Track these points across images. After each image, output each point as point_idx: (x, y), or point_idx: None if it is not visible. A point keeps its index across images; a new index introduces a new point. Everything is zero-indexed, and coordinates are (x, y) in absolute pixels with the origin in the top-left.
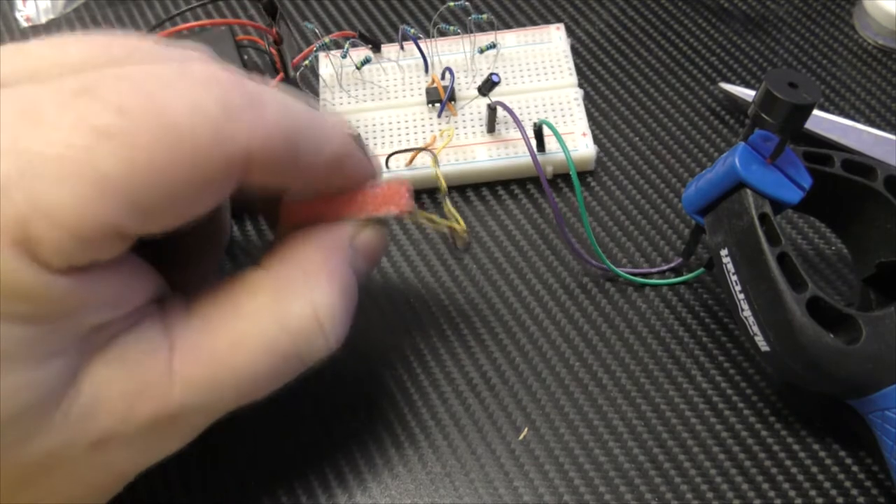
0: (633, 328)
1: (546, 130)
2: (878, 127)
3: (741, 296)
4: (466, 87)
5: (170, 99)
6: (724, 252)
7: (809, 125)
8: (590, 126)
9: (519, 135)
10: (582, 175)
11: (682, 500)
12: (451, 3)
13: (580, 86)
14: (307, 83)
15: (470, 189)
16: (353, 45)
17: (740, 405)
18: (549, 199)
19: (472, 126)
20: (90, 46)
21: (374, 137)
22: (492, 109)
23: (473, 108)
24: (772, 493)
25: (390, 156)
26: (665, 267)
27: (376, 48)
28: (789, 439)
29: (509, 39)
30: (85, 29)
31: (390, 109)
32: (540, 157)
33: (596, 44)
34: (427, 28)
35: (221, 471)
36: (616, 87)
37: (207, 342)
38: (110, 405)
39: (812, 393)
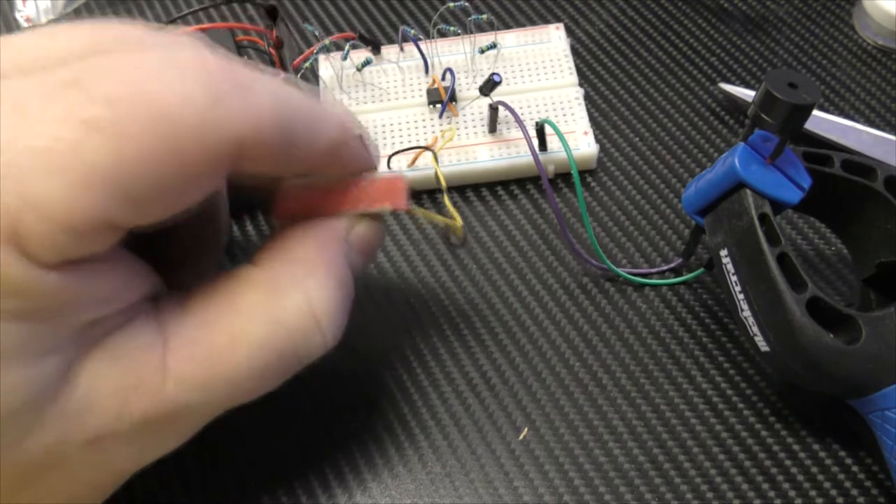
0: (632, 328)
1: (548, 129)
2: (878, 127)
3: (741, 296)
4: (467, 87)
5: (157, 88)
6: (723, 252)
7: (809, 125)
8: (590, 126)
9: (520, 134)
10: (582, 174)
11: (682, 500)
12: (451, 4)
13: (580, 86)
14: (309, 83)
15: (470, 189)
16: (354, 47)
17: (740, 405)
18: (549, 198)
19: (474, 126)
20: (77, 36)
21: (376, 139)
22: (493, 109)
23: (475, 108)
24: (772, 493)
25: (392, 156)
26: (665, 267)
27: (376, 49)
28: (789, 439)
29: (509, 39)
30: None
31: (391, 111)
32: (541, 157)
33: (595, 44)
34: (427, 29)
35: (221, 471)
36: (616, 88)
37: (202, 339)
38: (105, 402)
39: (812, 393)
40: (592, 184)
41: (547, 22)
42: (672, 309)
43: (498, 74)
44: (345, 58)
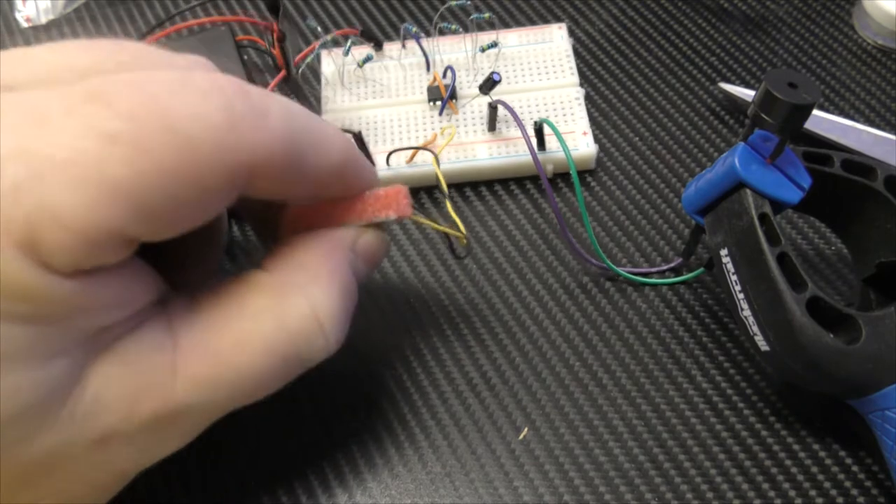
0: (633, 328)
1: (547, 129)
2: (878, 127)
3: (741, 296)
4: (468, 85)
5: (177, 107)
6: (723, 252)
7: (809, 125)
8: (590, 126)
9: (520, 133)
10: (582, 174)
11: (682, 500)
12: (453, 3)
13: (580, 85)
14: (308, 81)
15: (469, 188)
16: (355, 43)
17: (740, 405)
18: (549, 198)
19: (473, 124)
20: (97, 52)
21: (376, 135)
22: (493, 108)
23: (475, 106)
24: (772, 493)
25: (391, 153)
26: (665, 267)
27: (378, 46)
28: (789, 439)
29: (511, 39)
30: (85, 29)
31: (392, 107)
32: (540, 156)
33: (596, 44)
34: (428, 28)
35: (221, 471)
36: (616, 88)
37: (210, 341)
38: (114, 403)
39: (812, 393)
40: (592, 183)
41: (546, 21)
42: (672, 308)
43: (497, 73)
44: (346, 53)
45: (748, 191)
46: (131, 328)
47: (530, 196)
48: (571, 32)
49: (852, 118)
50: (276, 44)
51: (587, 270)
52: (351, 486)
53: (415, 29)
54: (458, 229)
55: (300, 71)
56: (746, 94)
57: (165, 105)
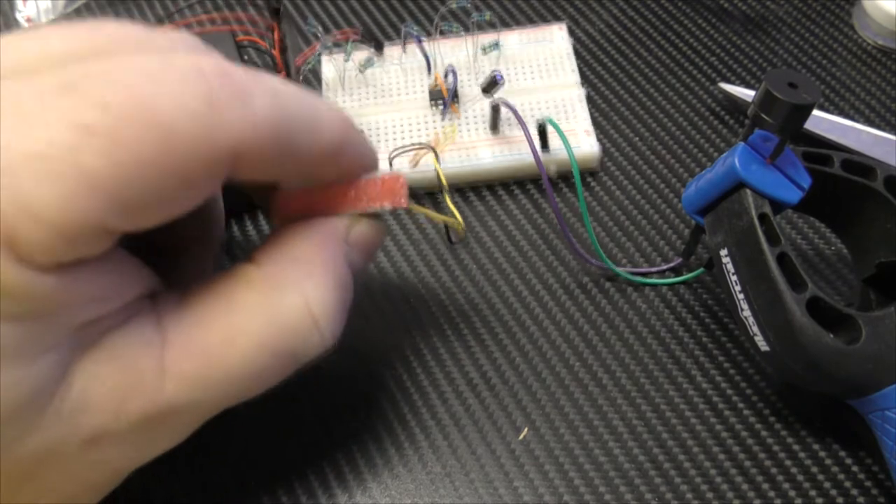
0: (632, 328)
1: (550, 129)
2: (878, 127)
3: (741, 296)
4: (469, 86)
5: (154, 95)
6: (723, 252)
7: (809, 125)
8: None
9: (522, 134)
10: (583, 174)
11: (682, 500)
12: (453, 4)
13: (581, 85)
14: (310, 84)
15: (470, 189)
16: (356, 47)
17: (740, 405)
18: (549, 198)
19: (476, 126)
20: (74, 37)
21: (378, 139)
22: (495, 109)
23: (476, 107)
24: (772, 493)
25: (394, 155)
26: (665, 267)
27: (379, 48)
28: (789, 439)
29: (512, 39)
30: None
31: (394, 111)
32: (544, 156)
33: (596, 44)
34: (429, 29)
35: (221, 471)
36: (616, 88)
37: (199, 338)
38: (102, 401)
39: (812, 393)
40: (593, 184)
41: (546, 22)
42: (672, 309)
43: (500, 74)
44: (347, 59)
45: (748, 191)
46: (118, 323)
47: (530, 196)
48: (571, 33)
49: (852, 118)
50: (276, 48)
51: (587, 270)
52: (351, 486)
53: (416, 29)
54: (455, 219)
55: (301, 76)
56: (746, 94)
57: (142, 93)
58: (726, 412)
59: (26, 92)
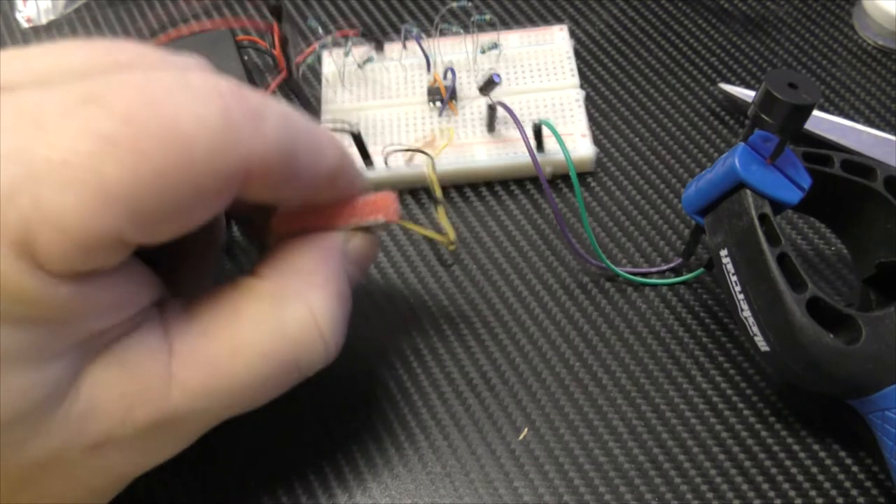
0: (632, 328)
1: (546, 131)
2: (878, 127)
3: (741, 296)
4: (468, 86)
5: (174, 109)
6: (723, 252)
7: (809, 125)
8: (589, 126)
9: (519, 135)
10: (581, 176)
11: (682, 500)
12: (454, 4)
13: (580, 87)
14: (309, 82)
15: (469, 188)
16: (356, 44)
17: (740, 405)
18: (548, 198)
19: (473, 125)
20: (94, 52)
21: (376, 135)
22: (492, 109)
23: (474, 107)
24: (772, 493)
25: (389, 154)
26: (665, 267)
27: (379, 46)
28: (789, 439)
29: (512, 40)
30: (86, 29)
31: (392, 108)
32: (539, 158)
33: (596, 44)
34: (429, 28)
35: (221, 471)
36: (616, 88)
37: (206, 348)
38: (109, 408)
39: (812, 393)
40: (592, 184)
41: (546, 22)
42: (672, 309)
43: (497, 74)
44: (347, 54)
45: (748, 191)
46: (126, 331)
47: (530, 196)
48: (571, 33)
49: (852, 118)
50: (277, 46)
51: (587, 271)
52: (351, 486)
53: (416, 30)
54: (446, 235)
55: (301, 72)
56: (746, 94)
57: (163, 108)
58: (726, 412)
59: (49, 101)
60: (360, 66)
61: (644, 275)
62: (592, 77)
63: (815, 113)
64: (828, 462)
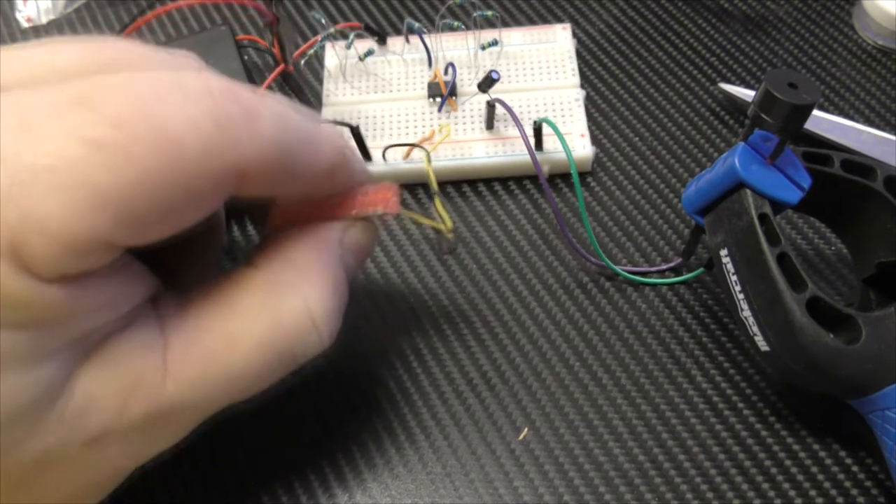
0: (632, 328)
1: (545, 129)
2: (878, 127)
3: (741, 296)
4: (469, 83)
5: (163, 112)
6: (723, 252)
7: (809, 125)
8: (589, 126)
9: (517, 133)
10: (579, 176)
11: (682, 500)
12: (456, 1)
13: (581, 86)
14: (309, 74)
15: (468, 187)
16: (359, 37)
17: (740, 405)
18: (548, 197)
19: (472, 122)
20: (83, 51)
21: (375, 129)
22: (490, 106)
23: (474, 104)
24: (772, 493)
25: (387, 148)
26: (665, 266)
27: (382, 41)
28: (789, 439)
29: (515, 38)
30: (86, 29)
31: (392, 102)
32: (538, 156)
33: (596, 44)
34: (434, 21)
35: (221, 470)
36: (616, 88)
37: (201, 339)
38: (105, 403)
39: (812, 393)
40: (592, 183)
41: (547, 21)
42: (672, 308)
43: (496, 72)
44: (349, 46)
45: (748, 191)
46: (121, 327)
47: (529, 195)
48: (573, 33)
49: (852, 118)
50: (274, 40)
51: (586, 270)
52: (351, 486)
53: (418, 25)
54: (444, 223)
55: (302, 63)
56: (746, 94)
57: (152, 110)
58: (726, 412)
59: (37, 103)
60: (361, 59)
61: (644, 274)
62: (592, 76)
63: (815, 113)
64: (828, 462)
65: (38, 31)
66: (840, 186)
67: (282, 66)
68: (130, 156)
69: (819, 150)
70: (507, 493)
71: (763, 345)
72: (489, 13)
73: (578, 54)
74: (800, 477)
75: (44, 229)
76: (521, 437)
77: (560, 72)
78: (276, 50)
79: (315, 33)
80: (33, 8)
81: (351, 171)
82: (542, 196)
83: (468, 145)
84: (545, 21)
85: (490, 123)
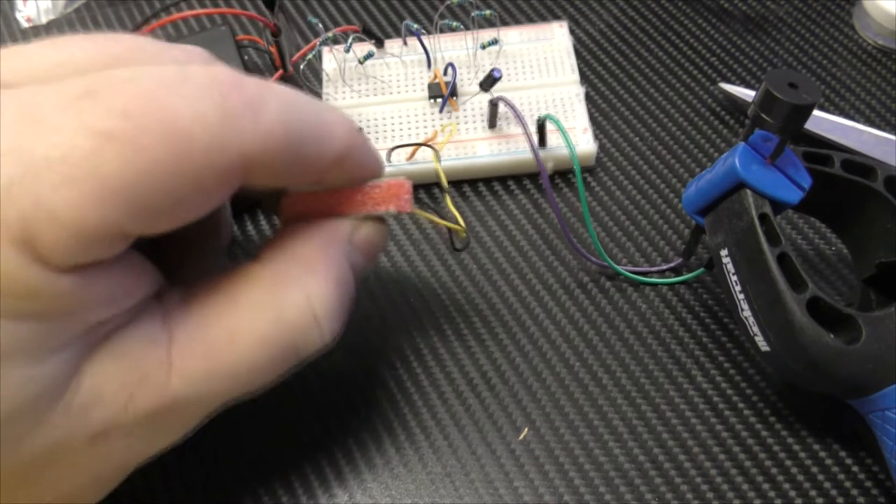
0: (632, 328)
1: (549, 126)
2: (878, 127)
3: (741, 296)
4: (469, 82)
5: (172, 104)
6: (724, 252)
7: (809, 125)
8: (590, 124)
9: (520, 130)
10: (582, 172)
11: (683, 500)
12: (454, 1)
13: (580, 83)
14: (308, 79)
15: (468, 187)
16: (357, 40)
17: (740, 405)
18: (548, 194)
19: (474, 121)
20: (92, 47)
21: (377, 132)
22: (493, 105)
23: (475, 103)
24: (772, 493)
25: (392, 150)
26: (665, 266)
27: (379, 43)
28: (789, 439)
29: (512, 36)
30: (86, 29)
31: (392, 104)
32: (541, 153)
33: (596, 44)
34: (432, 21)
35: (221, 470)
36: (616, 87)
37: (205, 334)
38: (110, 397)
39: (812, 393)
40: (592, 183)
41: (547, 20)
42: (672, 308)
43: (498, 70)
44: (348, 50)
45: (748, 191)
46: (126, 321)
47: (529, 194)
48: (571, 32)
49: (852, 118)
50: (271, 39)
51: (587, 270)
52: (351, 485)
53: (416, 26)
54: (457, 223)
55: (301, 68)
56: (746, 94)
57: (160, 102)
58: (726, 412)
59: (48, 97)
60: (360, 63)
61: (644, 274)
62: (592, 76)
63: (816, 113)
64: (828, 462)
65: (38, 31)
66: (840, 186)
67: (280, 72)
68: (139, 147)
69: (819, 150)
70: (508, 493)
71: (763, 345)
72: (487, 13)
73: (578, 54)
74: (800, 477)
75: (56, 218)
76: (522, 437)
77: (559, 69)
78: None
79: (314, 36)
80: (33, 8)
81: (363, 160)
82: (543, 196)
83: (471, 144)
84: (545, 20)
85: (493, 122)
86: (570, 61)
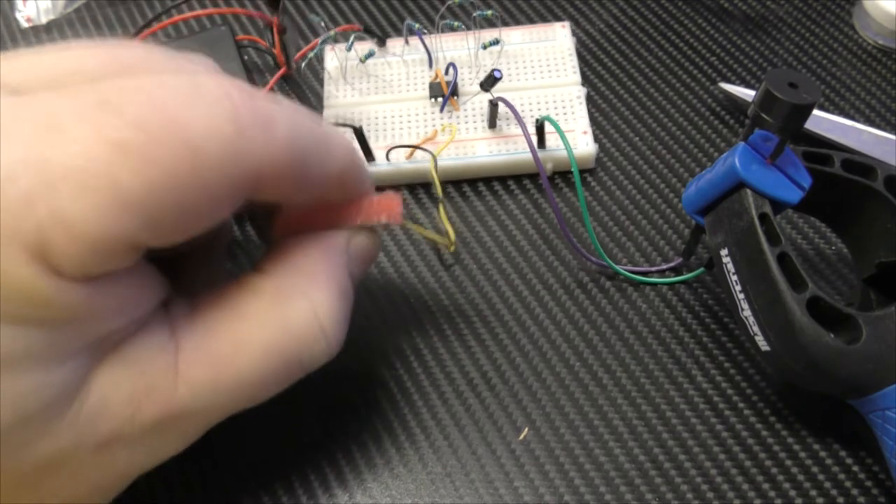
0: (633, 328)
1: (548, 127)
2: (878, 127)
3: (741, 296)
4: (469, 82)
5: (186, 117)
6: (724, 252)
7: (809, 125)
8: (590, 125)
9: (520, 131)
10: (581, 173)
11: (683, 500)
12: (455, 0)
13: (581, 84)
14: (310, 77)
15: (468, 186)
16: (359, 39)
17: (740, 405)
18: (548, 195)
19: (474, 121)
20: (104, 54)
21: (377, 130)
22: (493, 105)
23: (476, 103)
24: (772, 493)
25: (391, 149)
26: (665, 266)
27: (381, 42)
28: (789, 439)
29: (514, 36)
30: (86, 29)
31: (393, 103)
32: (540, 154)
33: (596, 44)
34: (433, 21)
35: (221, 471)
36: (616, 87)
37: (211, 345)
38: (118, 406)
39: (812, 393)
40: (592, 183)
41: (547, 21)
42: (672, 308)
43: (499, 70)
44: (349, 48)
45: (748, 191)
46: (134, 331)
47: (529, 194)
48: (572, 32)
49: (852, 118)
50: (276, 37)
51: (587, 269)
52: (351, 486)
53: (418, 26)
54: (447, 236)
55: (302, 67)
56: (746, 94)
57: (175, 114)
58: (726, 412)
59: (63, 106)
60: (361, 61)
61: (644, 274)
62: (593, 76)
63: (816, 112)
64: (828, 462)
65: (38, 32)
66: (840, 186)
67: (283, 70)
68: (154, 159)
69: (819, 149)
70: (508, 493)
71: (763, 345)
72: (489, 13)
73: (578, 54)
74: (800, 477)
75: (72, 229)
76: (522, 436)
77: (561, 70)
78: (278, 53)
79: (315, 35)
80: (33, 8)
81: (360, 177)
82: (542, 195)
83: (471, 144)
84: (546, 21)
85: (493, 122)
86: (572, 62)
